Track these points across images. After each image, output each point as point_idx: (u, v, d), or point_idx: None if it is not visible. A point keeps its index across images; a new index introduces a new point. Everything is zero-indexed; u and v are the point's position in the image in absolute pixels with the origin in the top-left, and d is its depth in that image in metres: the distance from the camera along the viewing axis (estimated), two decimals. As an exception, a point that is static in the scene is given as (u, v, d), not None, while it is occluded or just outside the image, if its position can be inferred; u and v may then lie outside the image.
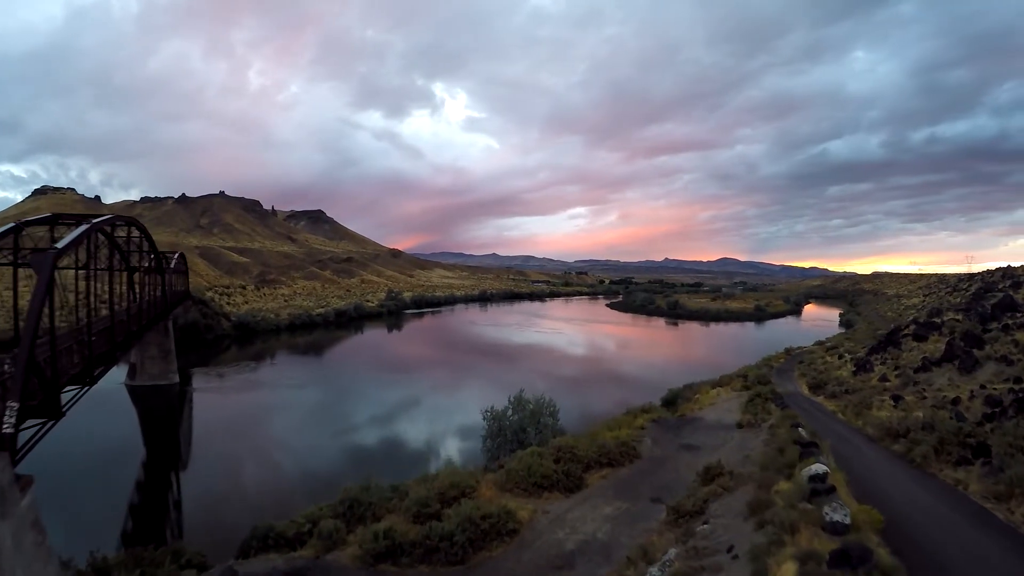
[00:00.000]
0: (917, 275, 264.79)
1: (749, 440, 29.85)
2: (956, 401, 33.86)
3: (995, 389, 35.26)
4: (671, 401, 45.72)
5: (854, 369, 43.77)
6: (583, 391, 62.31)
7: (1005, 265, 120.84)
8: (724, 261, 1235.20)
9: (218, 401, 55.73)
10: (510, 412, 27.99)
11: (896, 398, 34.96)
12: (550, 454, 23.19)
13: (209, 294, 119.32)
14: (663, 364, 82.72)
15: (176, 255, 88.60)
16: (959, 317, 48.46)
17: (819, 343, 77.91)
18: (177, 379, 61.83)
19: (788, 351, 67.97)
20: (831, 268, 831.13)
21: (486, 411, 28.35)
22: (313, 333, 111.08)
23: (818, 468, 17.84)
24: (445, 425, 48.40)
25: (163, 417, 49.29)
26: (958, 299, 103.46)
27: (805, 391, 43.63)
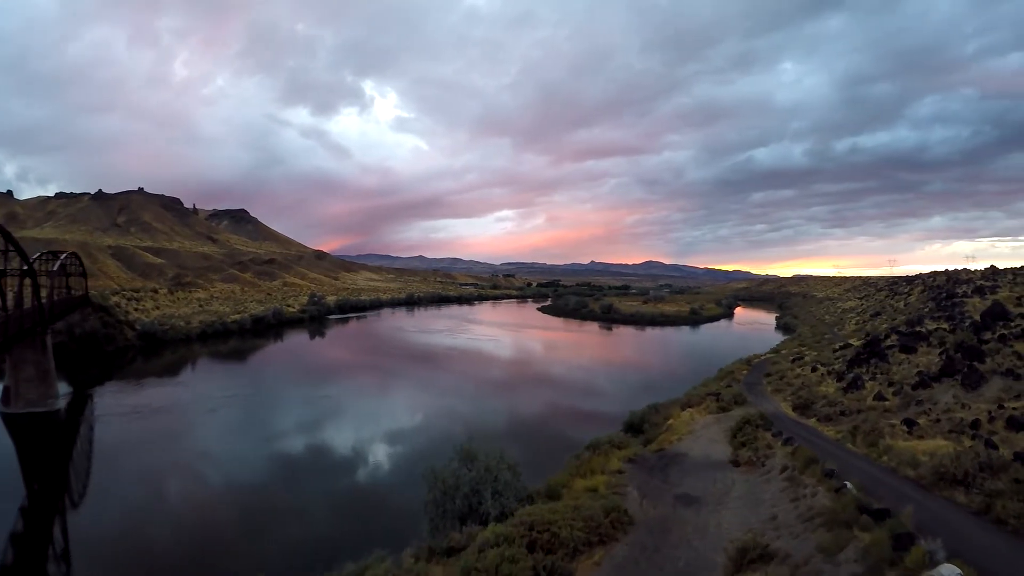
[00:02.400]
0: (840, 278, 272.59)
1: (758, 486, 23.88)
2: (976, 424, 29.16)
3: (1014, 409, 30.94)
4: (637, 427, 39.69)
5: (843, 386, 38.84)
6: (532, 409, 56.05)
7: (943, 268, 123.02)
8: (649, 264, 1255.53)
9: (112, 431, 46.38)
10: (456, 465, 20.87)
11: (909, 423, 29.90)
12: (520, 536, 16.25)
13: (115, 299, 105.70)
14: (610, 374, 77.50)
15: (64, 255, 76.87)
16: (945, 326, 44.68)
17: (775, 350, 74.26)
18: (60, 404, 52.61)
19: (750, 361, 63.38)
20: (753, 271, 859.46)
21: (426, 471, 21.03)
22: (228, 342, 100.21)
23: (949, 573, 11.78)
24: (373, 462, 40.96)
25: (46, 451, 41.22)
26: (901, 303, 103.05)
27: (789, 412, 38.33)
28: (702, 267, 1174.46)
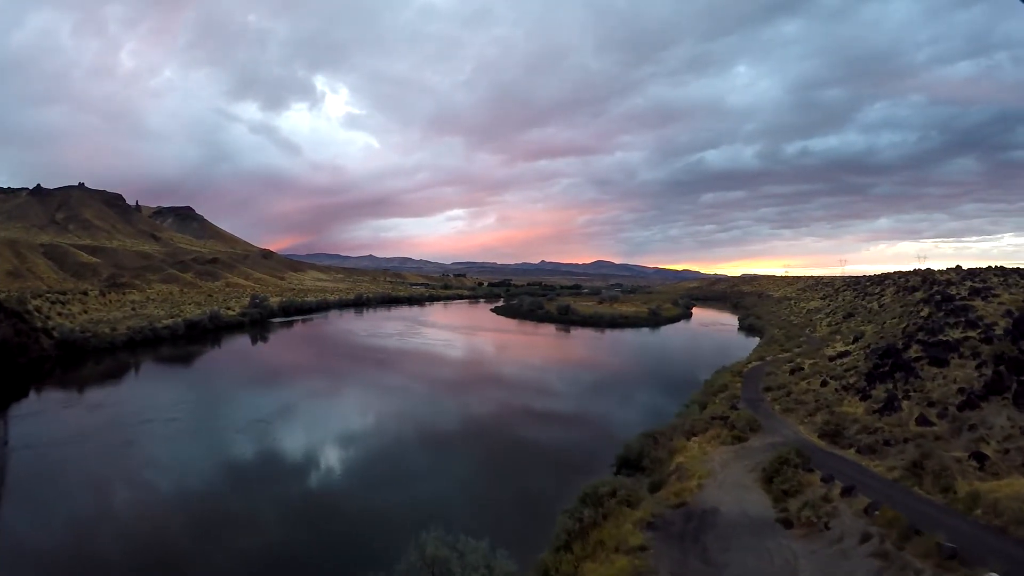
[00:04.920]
0: (791, 278, 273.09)
1: (832, 564, 17.72)
2: (1055, 459, 23.89)
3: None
4: (635, 462, 33.29)
5: (876, 406, 33.34)
6: (499, 434, 48.61)
7: (895, 269, 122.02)
8: (599, 264, 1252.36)
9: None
10: (417, 558, 14.03)
11: (979, 457, 24.37)
12: None
13: (37, 302, 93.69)
14: (584, 384, 71.08)
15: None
16: (974, 335, 39.79)
17: (760, 357, 69.19)
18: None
19: (740, 371, 57.78)
20: (703, 271, 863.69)
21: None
22: (159, 350, 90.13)
23: None
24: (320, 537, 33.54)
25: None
26: (875, 304, 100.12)
27: (814, 439, 32.54)
28: (652, 267, 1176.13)
